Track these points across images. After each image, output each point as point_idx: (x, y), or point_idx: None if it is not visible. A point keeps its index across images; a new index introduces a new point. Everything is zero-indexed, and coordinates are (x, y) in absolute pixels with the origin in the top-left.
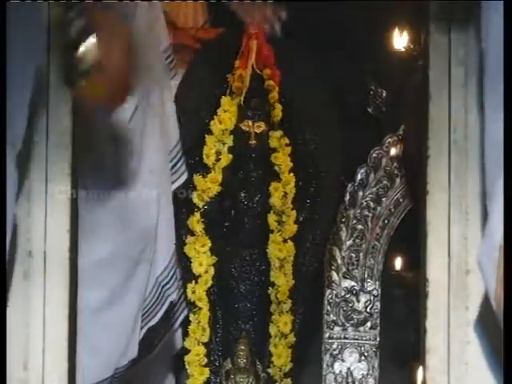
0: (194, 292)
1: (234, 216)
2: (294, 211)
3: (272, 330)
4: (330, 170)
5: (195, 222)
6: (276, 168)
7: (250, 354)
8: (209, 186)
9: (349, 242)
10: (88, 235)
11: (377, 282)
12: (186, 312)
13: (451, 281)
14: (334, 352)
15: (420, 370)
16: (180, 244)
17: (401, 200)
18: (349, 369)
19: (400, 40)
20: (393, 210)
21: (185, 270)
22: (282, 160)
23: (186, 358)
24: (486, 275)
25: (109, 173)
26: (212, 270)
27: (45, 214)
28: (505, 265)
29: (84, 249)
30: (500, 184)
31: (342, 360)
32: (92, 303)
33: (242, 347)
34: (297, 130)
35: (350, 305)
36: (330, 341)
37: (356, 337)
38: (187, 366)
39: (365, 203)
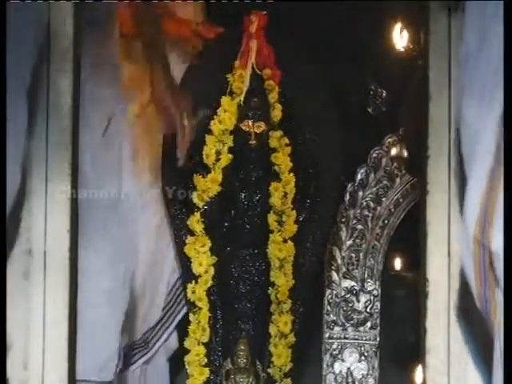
0: (193, 292)
1: (233, 216)
2: (294, 211)
3: (272, 330)
4: (330, 170)
5: (195, 222)
6: (276, 168)
7: (249, 353)
8: (209, 186)
9: (349, 242)
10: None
11: (377, 282)
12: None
13: (451, 281)
14: (334, 352)
15: (420, 370)
16: (180, 244)
17: (401, 200)
18: (349, 369)
19: (400, 40)
20: (393, 210)
21: (185, 270)
22: (282, 160)
23: (186, 358)
24: (467, 270)
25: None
26: (212, 270)
27: (45, 214)
28: (505, 266)
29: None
30: (474, 177)
31: (342, 360)
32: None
33: (242, 347)
34: (297, 130)
35: (350, 305)
36: (330, 341)
37: (356, 337)
38: (187, 366)
39: (365, 203)
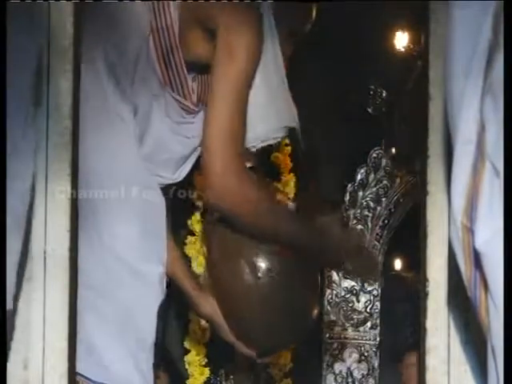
0: None
1: None
2: None
3: None
4: (330, 170)
5: (195, 222)
6: (276, 168)
7: None
8: None
9: None
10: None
11: (377, 282)
12: None
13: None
14: (334, 352)
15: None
16: (180, 244)
17: (401, 200)
18: (349, 369)
19: (400, 40)
20: (393, 210)
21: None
22: (282, 160)
23: (186, 358)
24: (458, 258)
25: None
26: None
27: (45, 213)
28: (504, 262)
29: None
30: (458, 170)
31: (342, 360)
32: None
33: None
34: (297, 129)
35: (350, 305)
36: (330, 341)
37: (356, 337)
38: (187, 366)
39: (365, 203)
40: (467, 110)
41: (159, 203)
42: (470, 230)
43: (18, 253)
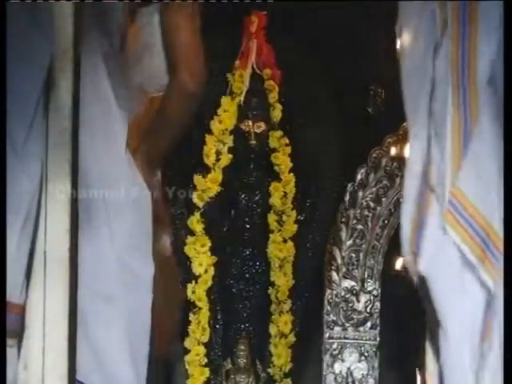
0: (194, 292)
1: (233, 216)
2: (294, 211)
3: (272, 330)
4: (330, 170)
5: (195, 222)
6: (276, 168)
7: (249, 353)
8: (209, 186)
9: (349, 242)
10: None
11: (377, 282)
12: None
13: None
14: (334, 352)
15: (420, 371)
16: (180, 244)
17: (401, 200)
18: (349, 369)
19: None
20: (393, 210)
21: (185, 270)
22: (282, 160)
23: (186, 358)
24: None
25: None
26: (212, 270)
27: (45, 213)
28: (504, 261)
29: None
30: (405, 201)
31: (342, 360)
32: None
33: (242, 347)
34: (297, 129)
35: (350, 305)
36: (330, 341)
37: (356, 337)
38: (187, 366)
39: (365, 203)
40: (414, 147)
41: (145, 199)
42: (416, 255)
43: (27, 252)
